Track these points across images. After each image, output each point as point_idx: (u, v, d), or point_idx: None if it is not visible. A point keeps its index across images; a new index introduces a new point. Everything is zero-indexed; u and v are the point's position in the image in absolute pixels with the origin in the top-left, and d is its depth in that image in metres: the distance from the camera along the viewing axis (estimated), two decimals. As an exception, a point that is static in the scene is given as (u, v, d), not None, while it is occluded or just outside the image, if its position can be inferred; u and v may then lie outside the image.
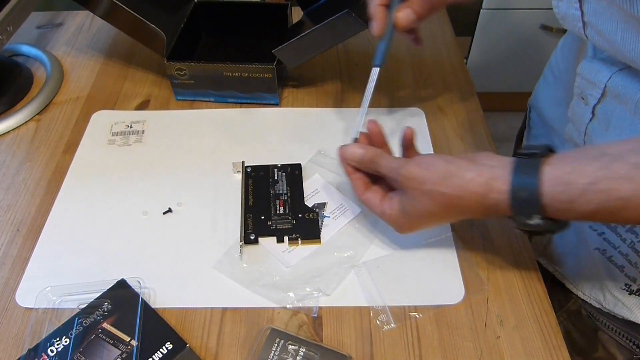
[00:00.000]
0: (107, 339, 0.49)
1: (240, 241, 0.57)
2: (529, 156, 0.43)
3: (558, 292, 0.63)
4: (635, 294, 0.55)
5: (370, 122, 0.55)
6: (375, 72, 0.52)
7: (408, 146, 0.55)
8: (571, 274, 0.61)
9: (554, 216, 0.42)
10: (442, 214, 0.47)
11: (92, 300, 0.52)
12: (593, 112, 0.53)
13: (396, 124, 0.72)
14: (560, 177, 0.40)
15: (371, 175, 0.54)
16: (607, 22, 0.45)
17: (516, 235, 0.59)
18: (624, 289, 0.55)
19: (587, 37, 0.49)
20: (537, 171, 0.41)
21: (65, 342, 0.49)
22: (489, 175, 0.44)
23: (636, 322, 0.55)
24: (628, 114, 0.49)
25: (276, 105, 0.75)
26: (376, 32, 0.49)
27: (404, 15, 0.49)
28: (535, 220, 0.43)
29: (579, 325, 0.62)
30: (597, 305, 0.58)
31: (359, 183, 0.53)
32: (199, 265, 0.56)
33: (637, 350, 0.57)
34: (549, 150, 0.43)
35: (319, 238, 0.58)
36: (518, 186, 0.42)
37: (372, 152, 0.52)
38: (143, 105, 0.76)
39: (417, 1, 0.48)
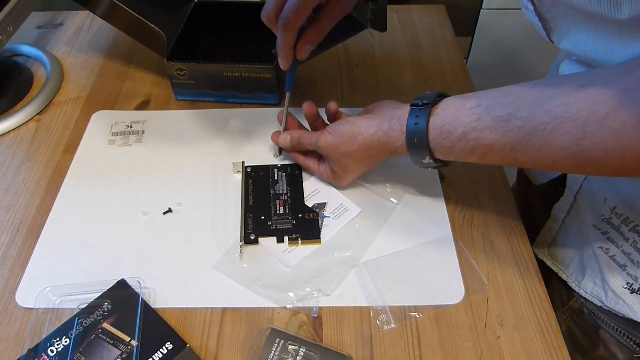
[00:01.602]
0: (107, 339, 0.49)
1: (240, 241, 0.57)
2: (421, 106, 0.51)
3: (561, 290, 0.63)
4: (636, 293, 0.55)
5: (306, 104, 0.62)
6: (287, 96, 0.63)
7: (333, 118, 0.63)
8: (574, 272, 0.61)
9: (440, 157, 0.51)
10: (362, 163, 0.58)
11: (92, 300, 0.52)
12: None
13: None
14: (442, 127, 0.49)
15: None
16: (573, 24, 0.47)
17: (516, 235, 0.59)
18: (626, 288, 0.55)
19: (553, 42, 0.51)
20: (425, 120, 0.50)
21: (65, 342, 0.49)
22: (387, 127, 0.54)
23: (637, 320, 0.55)
24: None
25: (276, 105, 0.75)
26: (284, 67, 0.59)
27: (304, 49, 0.57)
28: (427, 160, 0.52)
29: (581, 323, 0.62)
30: (599, 304, 0.58)
31: (298, 158, 0.65)
32: (199, 265, 0.56)
33: (638, 349, 0.57)
34: (439, 96, 0.52)
35: (319, 238, 0.58)
36: (410, 134, 0.51)
37: (294, 134, 0.62)
38: (143, 105, 0.76)
39: (310, 34, 0.56)
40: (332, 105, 0.61)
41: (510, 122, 0.45)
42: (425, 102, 0.51)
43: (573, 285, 0.61)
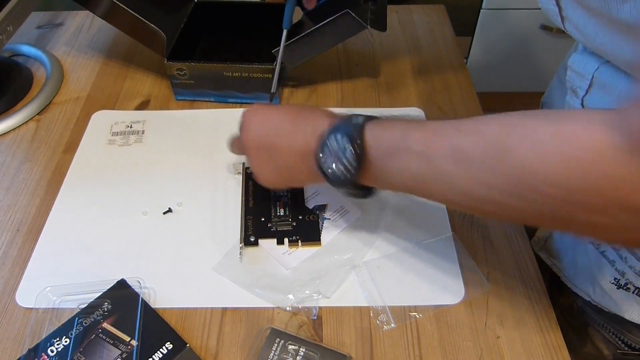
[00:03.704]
0: (107, 339, 0.49)
1: (240, 243, 0.57)
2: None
3: (554, 287, 0.63)
4: (623, 288, 0.56)
5: None
6: (284, 33, 0.63)
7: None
8: (566, 266, 0.62)
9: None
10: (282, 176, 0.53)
11: (92, 300, 0.52)
12: (582, 104, 0.54)
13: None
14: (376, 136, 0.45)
15: None
16: (581, 17, 0.47)
17: (516, 235, 0.59)
18: (613, 283, 0.56)
19: (566, 30, 0.51)
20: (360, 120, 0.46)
21: (65, 342, 0.49)
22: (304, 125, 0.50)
23: (622, 316, 0.56)
24: (612, 104, 0.50)
25: (276, 105, 0.75)
26: None
27: None
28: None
29: (570, 320, 0.63)
30: (587, 299, 0.60)
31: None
32: (199, 265, 0.56)
33: (622, 345, 0.58)
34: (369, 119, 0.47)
35: (319, 240, 0.58)
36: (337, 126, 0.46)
37: (231, 142, 0.59)
38: (143, 105, 0.76)
39: None
40: None
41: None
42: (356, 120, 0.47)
43: (564, 279, 0.62)
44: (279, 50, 0.70)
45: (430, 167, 0.41)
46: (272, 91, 0.65)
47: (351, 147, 0.44)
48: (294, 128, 0.51)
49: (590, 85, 0.53)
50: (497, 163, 0.37)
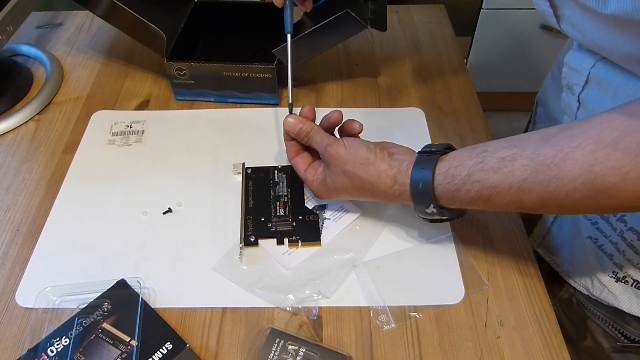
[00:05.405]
0: (107, 339, 0.49)
1: (240, 243, 0.57)
2: (430, 153, 0.51)
3: (552, 282, 0.64)
4: (621, 282, 0.56)
5: (306, 107, 0.60)
6: (288, 37, 0.62)
7: (332, 126, 0.59)
8: (565, 262, 0.63)
9: (445, 204, 0.50)
10: (355, 192, 0.55)
11: (92, 300, 0.52)
12: (579, 101, 0.55)
13: (396, 124, 0.72)
14: (447, 171, 0.48)
15: (305, 146, 0.60)
16: (578, 14, 0.47)
17: (516, 235, 0.59)
18: (612, 277, 0.57)
19: (562, 30, 0.51)
20: (432, 166, 0.49)
21: (65, 342, 0.49)
22: (397, 169, 0.51)
23: (621, 309, 0.57)
24: (608, 101, 0.50)
25: (276, 105, 0.75)
26: (278, 4, 0.59)
27: None
28: (431, 209, 0.50)
29: (570, 314, 0.64)
30: (586, 293, 0.60)
31: (291, 149, 0.60)
32: (199, 266, 0.56)
33: (622, 337, 0.59)
34: (448, 149, 0.51)
35: (319, 240, 0.58)
36: (416, 180, 0.49)
37: (308, 127, 0.57)
38: (143, 105, 0.76)
39: None
40: (337, 115, 0.58)
41: (515, 162, 0.44)
42: (433, 149, 0.51)
43: (563, 274, 0.62)
44: (284, 54, 0.69)
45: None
46: (289, 102, 0.62)
47: (433, 210, 0.50)
48: (366, 196, 0.55)
49: (586, 82, 0.53)
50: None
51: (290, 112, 0.61)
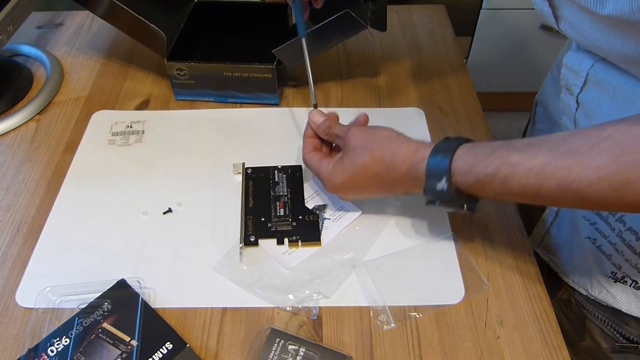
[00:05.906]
0: (107, 339, 0.49)
1: (240, 243, 0.57)
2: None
3: (551, 282, 0.64)
4: (620, 282, 0.56)
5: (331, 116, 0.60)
6: (303, 41, 0.63)
7: None
8: (564, 263, 0.63)
9: (459, 180, 0.47)
10: (372, 167, 0.52)
11: (92, 300, 0.52)
12: (577, 102, 0.55)
13: (396, 124, 0.71)
14: (471, 147, 0.48)
15: (324, 143, 0.60)
16: (576, 14, 0.47)
17: (516, 235, 0.59)
18: (610, 277, 0.57)
19: (561, 30, 0.51)
20: (457, 142, 0.49)
21: (65, 342, 0.49)
22: (420, 142, 0.51)
23: (619, 309, 0.57)
24: (606, 101, 0.50)
25: (276, 105, 0.75)
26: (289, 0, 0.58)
27: None
28: (443, 184, 0.48)
29: (569, 314, 0.64)
30: (585, 293, 0.60)
31: (309, 144, 0.59)
32: (199, 266, 0.56)
33: (620, 338, 0.59)
34: (466, 140, 0.50)
35: (319, 240, 0.58)
36: (438, 148, 0.49)
37: (329, 121, 0.58)
38: (143, 105, 0.76)
39: None
40: (363, 118, 0.58)
41: (541, 146, 0.43)
42: (451, 141, 0.50)
43: (561, 274, 0.62)
44: (284, 54, 0.70)
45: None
46: (313, 102, 0.64)
47: (443, 185, 0.48)
48: (386, 192, 0.55)
49: (585, 83, 0.53)
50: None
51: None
